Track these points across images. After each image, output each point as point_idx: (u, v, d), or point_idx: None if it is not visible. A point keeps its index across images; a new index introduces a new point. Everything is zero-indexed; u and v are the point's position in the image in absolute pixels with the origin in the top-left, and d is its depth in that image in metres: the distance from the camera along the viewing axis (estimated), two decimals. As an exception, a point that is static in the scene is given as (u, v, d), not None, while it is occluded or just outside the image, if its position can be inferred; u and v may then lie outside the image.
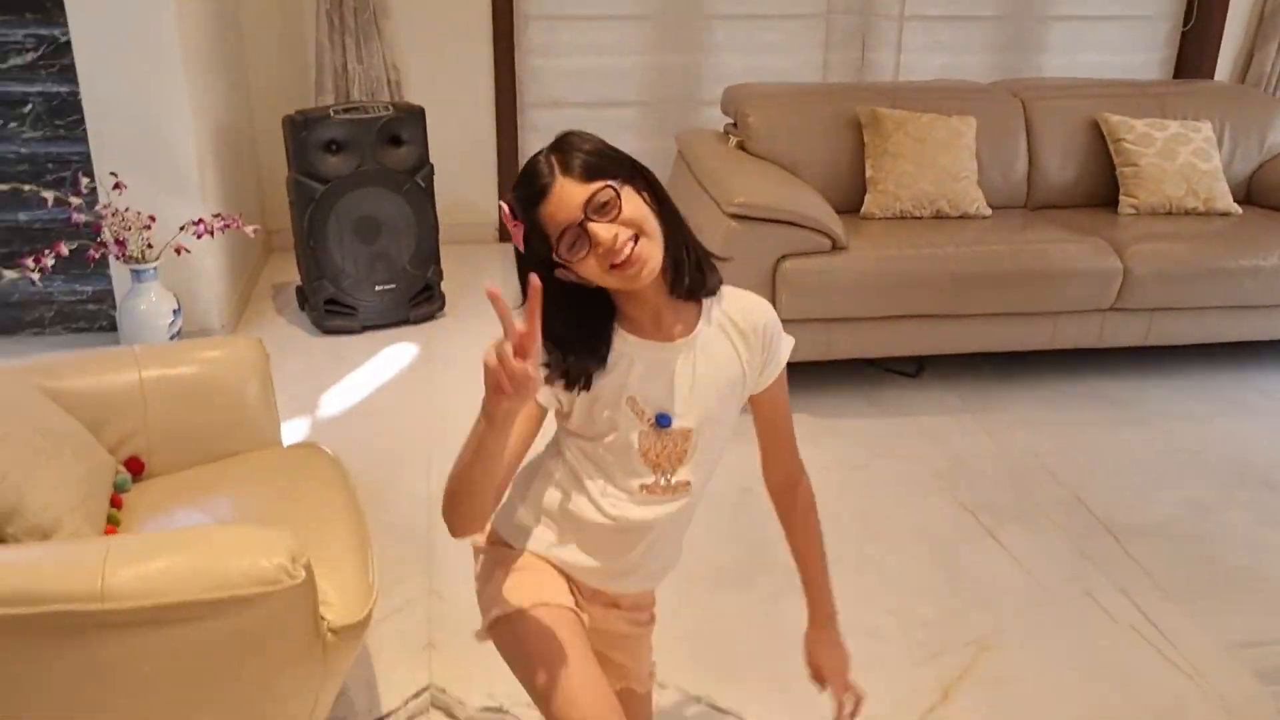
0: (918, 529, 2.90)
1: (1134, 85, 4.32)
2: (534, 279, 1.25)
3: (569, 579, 1.61)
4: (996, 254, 3.49)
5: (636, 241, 1.40)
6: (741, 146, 3.91)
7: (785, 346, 1.64)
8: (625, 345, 1.51)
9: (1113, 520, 2.95)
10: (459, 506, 1.40)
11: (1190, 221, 3.83)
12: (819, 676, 1.82)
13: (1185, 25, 5.32)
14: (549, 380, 1.47)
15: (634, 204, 1.41)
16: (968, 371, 3.82)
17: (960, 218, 3.78)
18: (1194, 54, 5.29)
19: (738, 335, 1.57)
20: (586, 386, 1.49)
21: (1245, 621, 2.53)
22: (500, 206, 1.38)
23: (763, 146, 3.84)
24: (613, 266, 1.39)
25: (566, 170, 1.39)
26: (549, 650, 1.49)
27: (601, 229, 1.38)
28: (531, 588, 1.55)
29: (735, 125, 4.03)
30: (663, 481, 1.56)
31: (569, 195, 1.38)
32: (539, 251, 1.41)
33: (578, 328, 1.47)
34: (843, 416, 3.51)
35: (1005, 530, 2.89)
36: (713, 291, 1.56)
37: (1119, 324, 3.64)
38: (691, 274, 1.51)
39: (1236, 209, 3.93)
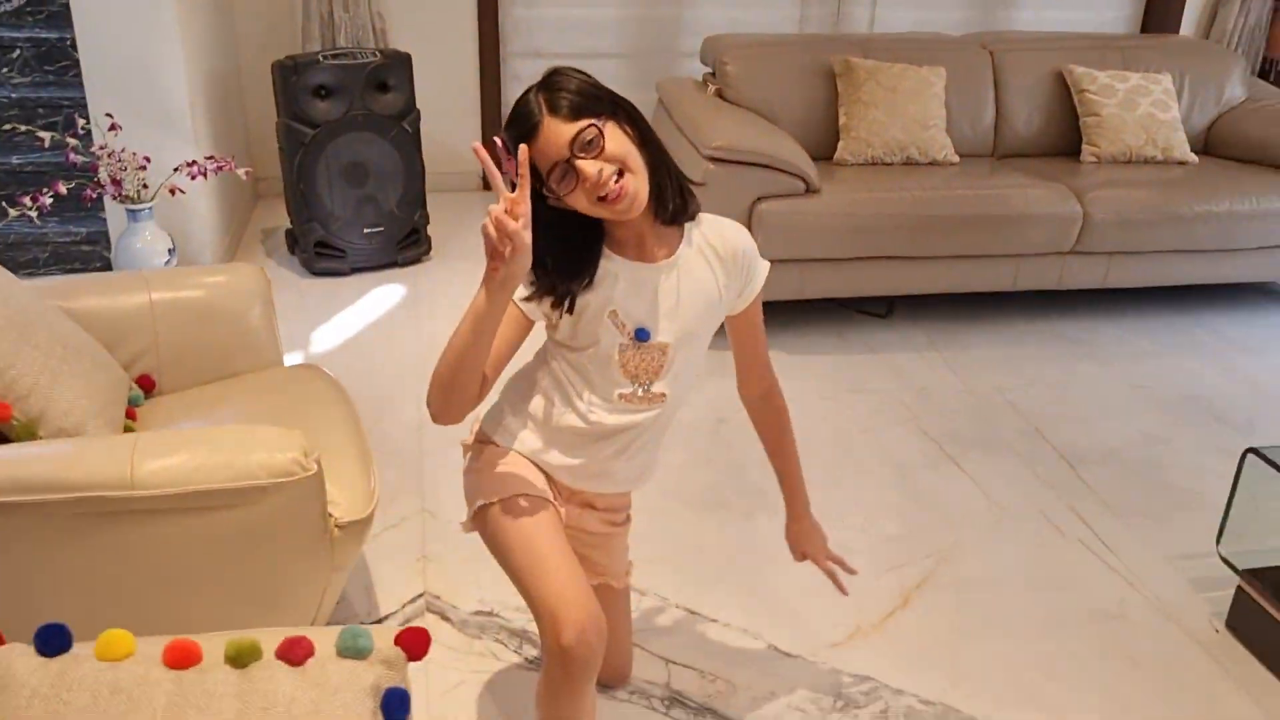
0: (885, 455, 3.06)
1: (1099, 38, 4.47)
2: (524, 147, 1.41)
3: (548, 478, 1.75)
4: (963, 198, 3.64)
5: (621, 176, 1.52)
6: (720, 94, 4.03)
7: (761, 270, 1.77)
8: (611, 264, 1.64)
9: (1067, 448, 3.12)
10: (445, 388, 1.53)
11: (1149, 169, 3.99)
12: (803, 557, 2.07)
13: (1153, -18, 5.45)
14: (536, 299, 1.61)
15: (617, 140, 1.52)
16: (935, 312, 3.98)
17: (929, 164, 3.92)
18: (1160, 10, 5.43)
19: (716, 259, 1.70)
20: (570, 309, 1.62)
21: (1185, 537, 2.71)
22: (494, 142, 1.50)
23: (740, 94, 3.96)
24: (600, 199, 1.52)
25: (553, 110, 1.50)
26: (527, 536, 1.64)
27: (587, 165, 1.50)
28: (513, 480, 1.70)
29: (714, 74, 4.15)
30: (640, 392, 1.70)
31: (556, 134, 1.49)
32: (532, 185, 1.51)
33: (567, 251, 1.60)
34: (815, 353, 3.67)
35: (966, 457, 3.07)
36: (692, 217, 1.69)
37: (1079, 267, 3.80)
38: (674, 201, 1.64)
39: (1193, 158, 4.09)
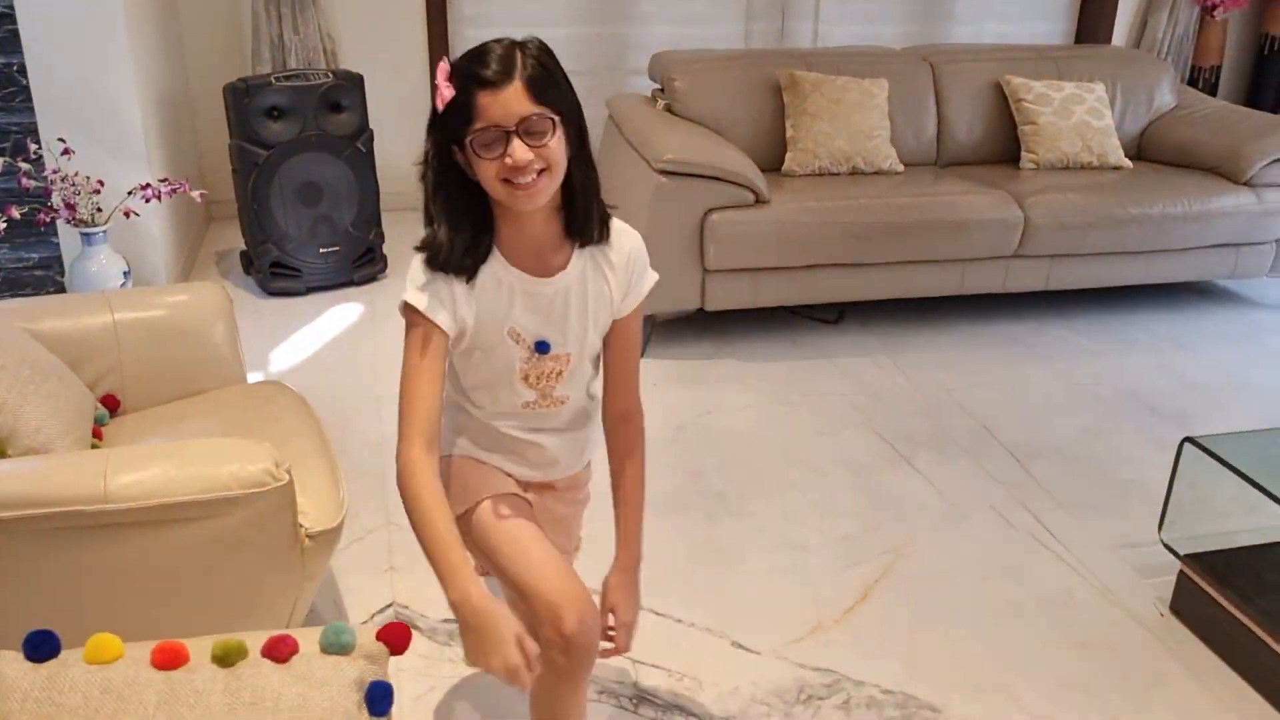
0: (839, 457, 3.14)
1: (1034, 49, 4.61)
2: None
3: (505, 471, 1.77)
4: (908, 206, 3.75)
5: (540, 175, 1.47)
6: (669, 109, 4.11)
7: (648, 280, 1.71)
8: (506, 275, 1.59)
9: (1015, 445, 3.22)
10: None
11: (1085, 175, 4.12)
12: (609, 611, 1.80)
13: (1085, -6, 5.64)
14: (439, 268, 1.55)
15: (559, 142, 1.48)
16: (884, 317, 4.08)
17: (874, 173, 4.03)
18: (1092, 21, 5.61)
19: (608, 266, 1.66)
20: (471, 274, 1.56)
21: (1129, 526, 2.81)
22: (439, 65, 1.46)
23: (689, 109, 4.04)
24: (507, 182, 1.47)
25: (524, 77, 1.42)
26: (510, 534, 1.66)
27: (522, 149, 1.43)
28: (479, 484, 1.71)
29: (662, 90, 4.23)
30: (544, 399, 1.70)
31: (514, 102, 1.42)
32: (453, 123, 1.47)
33: (464, 208, 1.55)
34: (768, 360, 3.74)
35: (918, 456, 3.15)
36: (598, 241, 1.65)
37: (1021, 270, 3.92)
38: (598, 228, 1.62)
39: (1127, 163, 4.23)
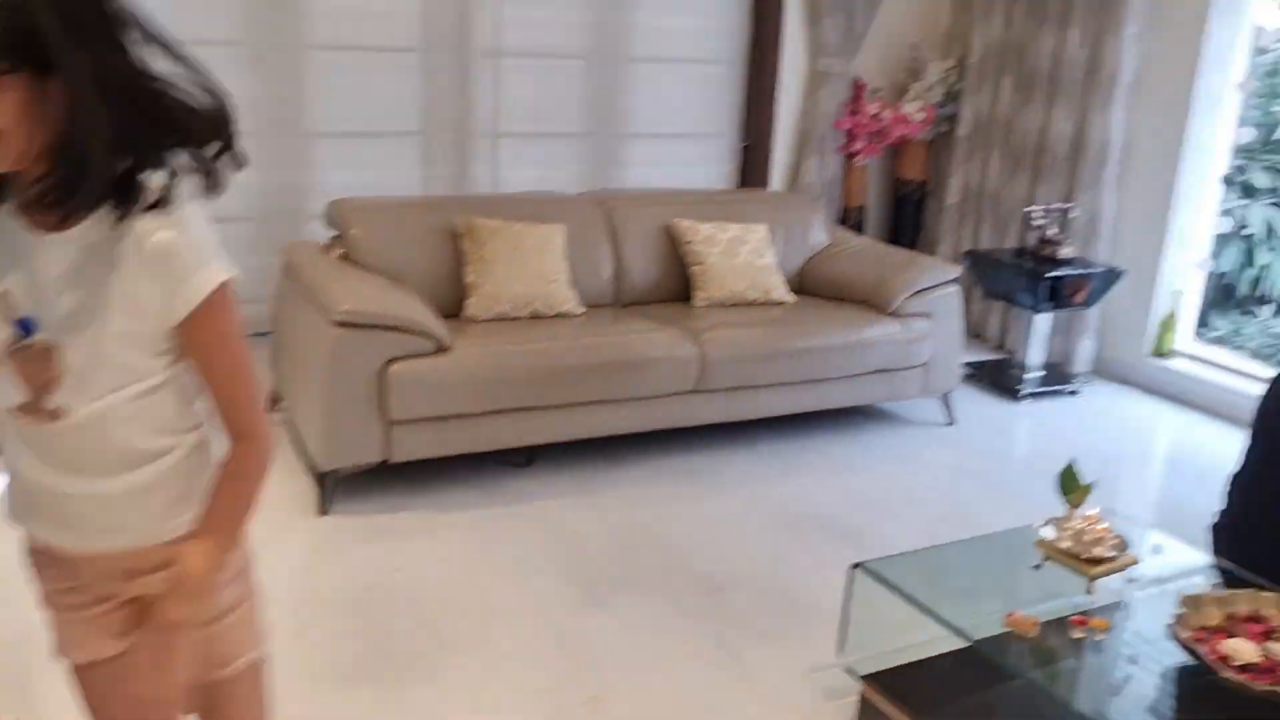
0: (533, 606, 3.07)
1: (702, 194, 4.90)
2: None
3: (68, 565, 1.47)
4: (588, 347, 3.81)
5: None
6: (345, 258, 4.01)
7: (200, 279, 1.36)
8: (10, 222, 1.34)
9: (706, 577, 3.27)
10: None
11: (753, 311, 4.36)
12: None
13: (744, 143, 6.07)
14: None
15: (8, 106, 1.20)
16: (575, 456, 4.08)
17: (555, 316, 4.08)
18: (751, 167, 6.04)
19: (135, 252, 1.32)
20: None
21: (816, 650, 2.89)
22: None
23: (366, 257, 3.96)
24: None
25: None
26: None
27: None
28: (53, 628, 1.56)
29: (339, 237, 4.13)
30: (35, 406, 1.36)
31: None
32: None
33: None
34: (458, 509, 3.64)
35: (614, 598, 3.13)
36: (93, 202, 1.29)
37: (701, 404, 4.06)
38: (87, 201, 1.29)
39: (790, 298, 4.52)
